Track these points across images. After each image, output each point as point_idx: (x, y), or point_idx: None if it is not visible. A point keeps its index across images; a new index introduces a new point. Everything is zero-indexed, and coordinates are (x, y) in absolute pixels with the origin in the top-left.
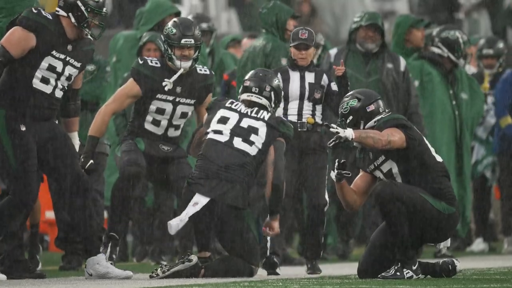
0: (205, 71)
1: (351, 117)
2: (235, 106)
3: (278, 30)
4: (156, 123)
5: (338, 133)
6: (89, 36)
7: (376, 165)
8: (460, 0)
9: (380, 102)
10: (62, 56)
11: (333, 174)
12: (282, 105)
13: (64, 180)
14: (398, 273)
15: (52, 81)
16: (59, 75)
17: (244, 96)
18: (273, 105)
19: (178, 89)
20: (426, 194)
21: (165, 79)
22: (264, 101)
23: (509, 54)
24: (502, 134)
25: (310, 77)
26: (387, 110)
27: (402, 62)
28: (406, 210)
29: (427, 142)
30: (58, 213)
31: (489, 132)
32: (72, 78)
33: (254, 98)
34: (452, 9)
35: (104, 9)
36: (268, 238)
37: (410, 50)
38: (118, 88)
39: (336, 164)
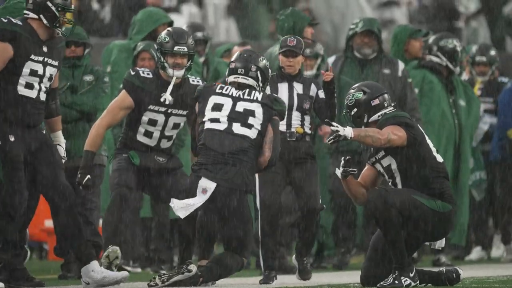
0: (198, 82)
1: (355, 109)
2: (226, 90)
3: None
4: (148, 134)
5: (338, 131)
6: (61, 35)
7: (376, 158)
8: (459, 8)
9: (386, 96)
10: (41, 59)
11: (338, 172)
12: None
13: (49, 191)
14: (396, 282)
15: (36, 85)
16: (41, 77)
17: (231, 78)
18: (260, 85)
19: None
20: (419, 195)
21: (162, 94)
22: (251, 81)
23: (507, 62)
24: (503, 144)
25: (298, 88)
26: (392, 105)
27: (400, 67)
28: (399, 215)
29: (429, 142)
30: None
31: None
32: (53, 78)
33: (241, 79)
34: (452, 18)
35: (72, 6)
36: (260, 254)
37: (410, 60)
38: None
39: (342, 161)
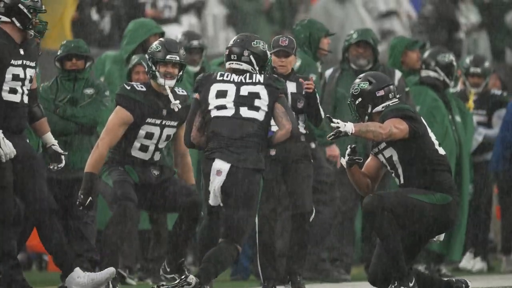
0: (183, 92)
1: (360, 99)
2: (226, 77)
3: (310, 48)
4: (144, 148)
5: (339, 127)
6: (33, 36)
7: (379, 149)
8: (460, 20)
9: (392, 88)
10: (20, 62)
11: (343, 160)
12: None
13: (30, 201)
14: None
15: (19, 89)
16: (23, 81)
17: (227, 65)
18: (256, 69)
19: (164, 112)
20: (416, 192)
21: (172, 102)
22: (245, 66)
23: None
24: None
25: (291, 87)
26: (397, 97)
27: (397, 76)
28: (396, 218)
29: (431, 135)
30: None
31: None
32: (32, 79)
33: (235, 65)
34: (452, 29)
35: (43, 7)
36: (259, 264)
37: (407, 71)
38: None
39: (348, 149)
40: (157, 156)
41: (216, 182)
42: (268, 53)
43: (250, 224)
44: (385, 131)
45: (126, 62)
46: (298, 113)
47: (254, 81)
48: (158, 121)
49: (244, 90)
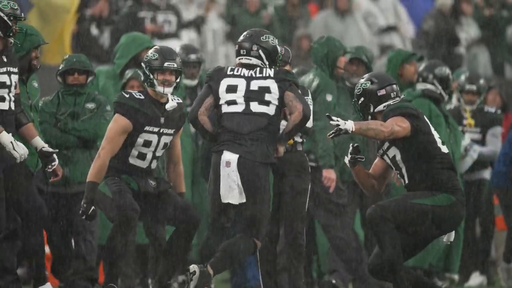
0: (178, 99)
1: (362, 99)
2: (237, 72)
3: (328, 67)
4: (141, 156)
5: (339, 125)
6: (12, 44)
7: (383, 150)
8: (460, 34)
9: (394, 87)
10: (4, 69)
11: (347, 159)
12: None
13: (19, 210)
14: None
15: (6, 96)
16: (9, 87)
17: (237, 60)
18: (266, 63)
19: (162, 120)
20: (418, 196)
21: (170, 103)
22: (254, 61)
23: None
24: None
25: None
26: (400, 96)
27: None
28: (399, 225)
29: (435, 133)
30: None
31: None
32: (16, 85)
33: (244, 60)
34: (452, 44)
35: (22, 14)
36: (260, 274)
37: (404, 85)
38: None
39: (350, 148)
40: (154, 164)
41: (224, 174)
42: (278, 47)
43: (266, 217)
44: (387, 129)
45: (119, 76)
46: None
47: (264, 75)
48: (156, 129)
49: (255, 85)
